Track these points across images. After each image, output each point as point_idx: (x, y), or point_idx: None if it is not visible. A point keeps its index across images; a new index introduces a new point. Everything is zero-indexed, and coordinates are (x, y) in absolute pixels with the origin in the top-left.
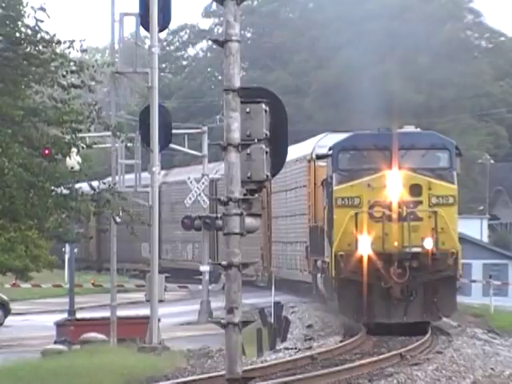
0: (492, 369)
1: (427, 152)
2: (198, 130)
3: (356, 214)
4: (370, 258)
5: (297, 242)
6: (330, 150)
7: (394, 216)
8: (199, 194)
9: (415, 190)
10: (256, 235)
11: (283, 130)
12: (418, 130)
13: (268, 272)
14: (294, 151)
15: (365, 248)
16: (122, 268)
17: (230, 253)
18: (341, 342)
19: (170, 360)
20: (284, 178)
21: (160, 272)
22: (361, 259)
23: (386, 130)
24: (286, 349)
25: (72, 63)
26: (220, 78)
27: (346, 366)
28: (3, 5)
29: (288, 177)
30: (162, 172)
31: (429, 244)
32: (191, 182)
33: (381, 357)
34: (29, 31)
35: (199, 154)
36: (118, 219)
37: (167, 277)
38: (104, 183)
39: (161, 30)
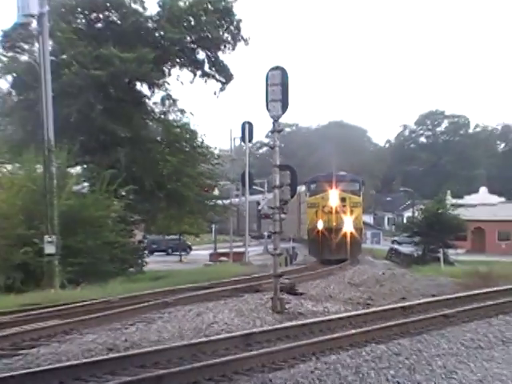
0: (374, 274)
1: (348, 182)
2: (263, 181)
3: (316, 210)
4: (322, 231)
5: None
6: (305, 182)
7: (333, 211)
8: (264, 206)
9: (343, 200)
10: (294, 221)
11: (295, 181)
12: (345, 173)
13: (298, 236)
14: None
15: (320, 226)
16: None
17: (274, 228)
18: (315, 262)
19: (252, 268)
20: (302, 198)
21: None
22: (318, 231)
23: (331, 173)
24: (296, 264)
25: (216, 155)
26: (271, 161)
27: (319, 270)
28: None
29: (302, 197)
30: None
31: (349, 224)
32: (260, 202)
33: (330, 267)
34: (200, 144)
35: (263, 189)
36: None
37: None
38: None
39: (249, 141)
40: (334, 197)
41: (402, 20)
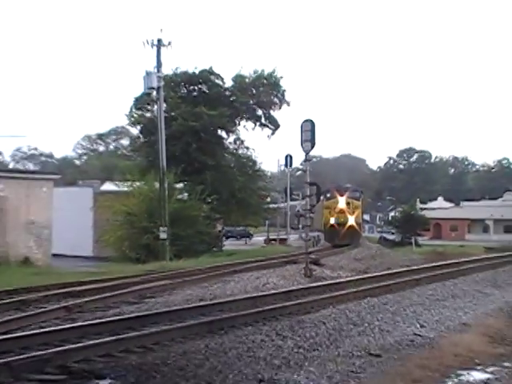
0: (370, 252)
1: (352, 192)
2: (299, 192)
3: (330, 211)
4: (333, 225)
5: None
6: (323, 192)
7: (342, 212)
8: (299, 209)
9: (348, 204)
10: (319, 218)
11: (319, 192)
12: (350, 185)
13: (322, 228)
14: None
15: (332, 221)
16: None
17: (306, 222)
18: (330, 245)
19: (292, 249)
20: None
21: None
22: (331, 225)
23: (340, 186)
24: (319, 246)
25: (268, 176)
26: (304, 179)
27: (333, 250)
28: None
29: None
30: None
31: (352, 220)
32: (297, 206)
33: (340, 249)
34: (258, 169)
35: (299, 198)
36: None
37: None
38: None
39: (290, 167)
40: (342, 202)
41: (395, 71)
